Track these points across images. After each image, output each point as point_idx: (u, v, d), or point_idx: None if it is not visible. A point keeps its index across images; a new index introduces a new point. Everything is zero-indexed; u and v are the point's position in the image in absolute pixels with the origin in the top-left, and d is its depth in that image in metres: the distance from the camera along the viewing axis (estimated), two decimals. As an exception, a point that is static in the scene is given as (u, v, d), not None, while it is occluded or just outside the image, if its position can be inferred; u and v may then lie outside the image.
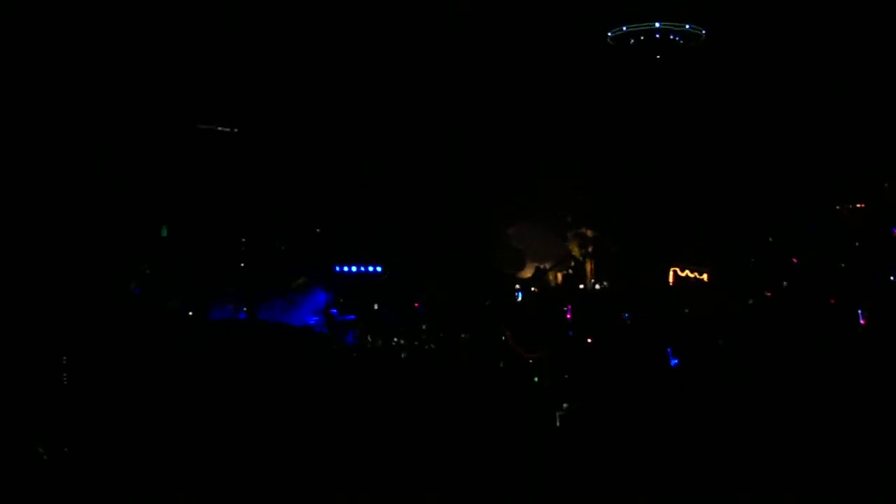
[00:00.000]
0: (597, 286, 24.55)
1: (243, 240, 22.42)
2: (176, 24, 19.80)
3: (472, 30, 21.01)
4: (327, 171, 23.20)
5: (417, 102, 22.46)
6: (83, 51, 18.21)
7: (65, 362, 14.03)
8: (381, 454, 10.27)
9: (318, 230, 23.97)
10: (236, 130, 21.76)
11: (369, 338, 21.36)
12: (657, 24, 21.60)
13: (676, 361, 15.89)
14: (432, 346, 20.90)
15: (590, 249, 25.02)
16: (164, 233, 21.06)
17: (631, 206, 24.00)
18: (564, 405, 13.35)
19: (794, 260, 21.16)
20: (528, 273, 24.86)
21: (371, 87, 21.81)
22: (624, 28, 21.51)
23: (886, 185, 21.66)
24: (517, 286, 24.02)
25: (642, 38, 21.19)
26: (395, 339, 21.09)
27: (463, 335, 20.68)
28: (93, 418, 11.64)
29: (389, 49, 21.19)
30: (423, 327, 21.18)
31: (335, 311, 22.44)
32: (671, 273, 22.90)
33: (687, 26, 21.67)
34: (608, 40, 21.17)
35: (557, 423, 12.80)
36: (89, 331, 14.85)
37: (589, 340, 18.63)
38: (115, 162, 19.72)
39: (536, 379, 14.73)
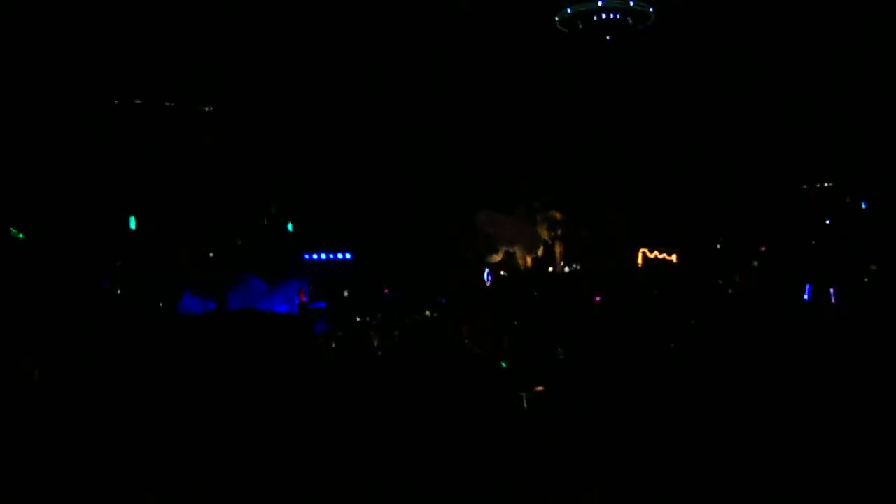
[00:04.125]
0: (566, 269, 24.56)
1: (212, 230, 22.26)
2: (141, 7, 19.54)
3: (436, 20, 20.91)
4: (298, 160, 23.09)
5: (386, 89, 22.34)
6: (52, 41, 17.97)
7: (37, 356, 13.90)
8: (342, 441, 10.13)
9: (287, 218, 23.84)
10: (209, 109, 21.55)
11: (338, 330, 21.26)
12: (600, 3, 21.39)
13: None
14: (399, 332, 20.81)
15: (559, 232, 25.03)
16: (133, 224, 20.85)
17: (601, 189, 23.97)
18: (532, 389, 13.26)
19: (763, 248, 21.18)
20: (497, 257, 24.84)
21: (338, 75, 21.67)
22: (569, 10, 21.35)
23: (853, 163, 21.71)
24: (486, 270, 24.00)
25: (593, 18, 21.08)
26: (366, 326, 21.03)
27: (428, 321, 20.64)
28: (68, 413, 11.51)
29: (355, 36, 21.03)
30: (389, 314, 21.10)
31: (305, 298, 22.35)
32: (640, 254, 22.91)
33: (631, 2, 21.52)
34: (556, 25, 21.08)
35: (525, 406, 12.68)
36: (61, 325, 14.71)
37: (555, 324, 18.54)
38: (82, 152, 19.52)
39: (504, 364, 14.66)
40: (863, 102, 20.31)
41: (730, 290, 19.71)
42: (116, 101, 20.32)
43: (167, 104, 21.11)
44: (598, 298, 20.56)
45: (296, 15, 21.03)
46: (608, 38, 22.51)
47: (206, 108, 21.76)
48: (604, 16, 22.32)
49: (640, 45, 22.62)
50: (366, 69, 21.91)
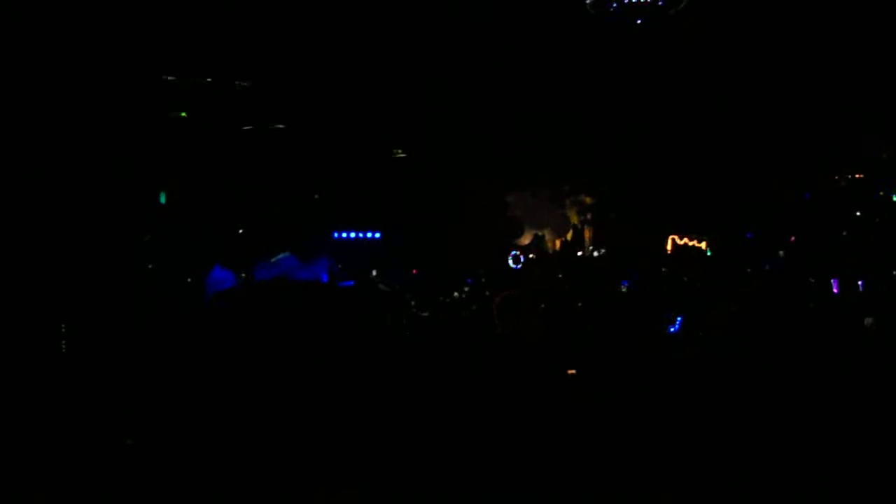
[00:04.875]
0: (595, 253, 24.69)
1: (242, 208, 22.39)
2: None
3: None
4: (326, 138, 23.15)
5: (411, 66, 22.38)
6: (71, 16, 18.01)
7: (64, 331, 14.04)
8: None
9: (316, 196, 23.95)
10: (244, 84, 21.59)
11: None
12: None
13: (677, 326, 15.97)
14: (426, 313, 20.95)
15: (588, 217, 25.14)
16: (163, 199, 21.01)
17: (630, 174, 24.00)
18: (564, 371, 13.36)
19: (792, 239, 21.20)
20: (525, 240, 24.99)
21: (366, 49, 21.71)
22: None
23: (885, 155, 21.67)
24: (514, 253, 24.12)
25: (623, 2, 20.94)
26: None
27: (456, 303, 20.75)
28: (97, 390, 11.65)
29: (384, 15, 21.09)
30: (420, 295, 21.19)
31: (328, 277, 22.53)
32: (670, 241, 23.00)
33: None
34: (588, 8, 21.00)
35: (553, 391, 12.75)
36: (90, 302, 14.86)
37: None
38: (111, 128, 19.63)
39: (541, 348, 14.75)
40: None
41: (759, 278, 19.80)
42: (148, 75, 20.41)
43: (201, 80, 21.21)
44: (626, 284, 20.67)
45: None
46: (639, 21, 22.45)
47: (242, 84, 21.85)
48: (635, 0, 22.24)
49: (672, 27, 22.56)
50: (396, 46, 21.94)
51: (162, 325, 14.66)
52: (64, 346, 13.37)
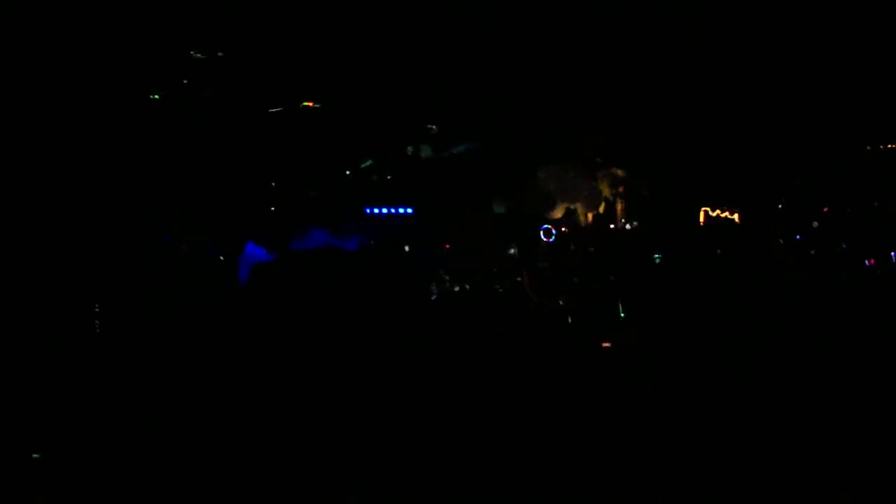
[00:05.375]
0: (627, 226, 24.65)
1: (273, 184, 22.48)
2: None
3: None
4: (358, 114, 23.18)
5: (444, 44, 22.35)
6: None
7: (97, 310, 14.21)
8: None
9: (348, 172, 24.02)
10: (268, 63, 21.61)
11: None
12: None
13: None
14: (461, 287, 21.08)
15: (620, 189, 25.06)
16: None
17: (661, 146, 23.89)
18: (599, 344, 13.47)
19: (825, 209, 21.05)
20: (558, 214, 24.98)
21: (401, 24, 21.73)
22: None
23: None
24: (546, 227, 24.10)
25: None
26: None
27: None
28: (128, 370, 11.81)
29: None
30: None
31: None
32: (702, 213, 22.97)
33: None
34: None
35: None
36: (121, 279, 15.01)
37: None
38: (139, 106, 19.73)
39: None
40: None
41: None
42: (190, 53, 20.49)
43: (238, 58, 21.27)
44: (660, 256, 20.69)
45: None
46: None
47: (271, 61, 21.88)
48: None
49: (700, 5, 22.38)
50: (430, 26, 21.91)
51: (195, 306, 14.84)
52: (94, 330, 13.56)
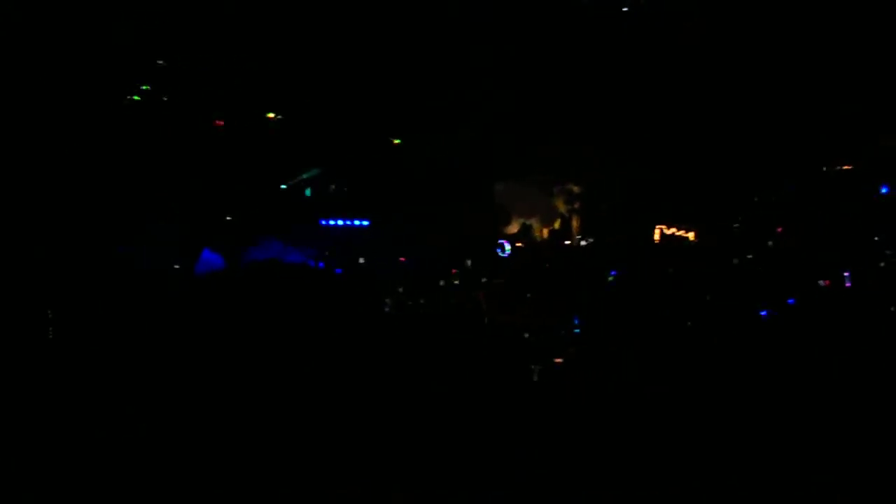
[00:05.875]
0: (582, 242, 24.66)
1: (228, 194, 22.27)
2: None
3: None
4: (314, 125, 23.07)
5: (400, 54, 22.28)
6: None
7: (50, 317, 13.96)
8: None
9: (304, 183, 23.86)
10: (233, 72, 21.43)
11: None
12: None
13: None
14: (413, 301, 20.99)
15: (576, 206, 25.08)
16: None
17: (618, 163, 23.92)
18: (550, 360, 13.35)
19: (779, 229, 21.18)
20: (513, 229, 24.93)
21: (354, 39, 21.62)
22: None
23: (878, 143, 21.58)
24: (501, 242, 24.06)
25: None
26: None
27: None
28: (80, 381, 11.58)
29: (365, 13, 21.02)
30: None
31: (321, 264, 22.46)
32: (657, 231, 23.00)
33: None
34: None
35: (535, 378, 12.77)
36: (77, 290, 14.77)
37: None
38: (102, 114, 19.50)
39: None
40: (891, 81, 20.19)
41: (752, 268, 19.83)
42: (140, 64, 20.28)
43: (193, 68, 21.08)
44: (614, 273, 20.69)
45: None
46: (625, 8, 22.33)
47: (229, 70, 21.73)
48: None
49: (657, 17, 22.45)
50: (381, 38, 21.86)
51: (149, 309, 14.60)
52: (49, 338, 13.30)
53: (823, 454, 8.79)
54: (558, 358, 13.87)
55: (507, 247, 24.39)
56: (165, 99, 20.88)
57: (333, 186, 23.59)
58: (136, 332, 13.47)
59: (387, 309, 20.39)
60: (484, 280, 21.22)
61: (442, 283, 22.10)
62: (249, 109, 22.31)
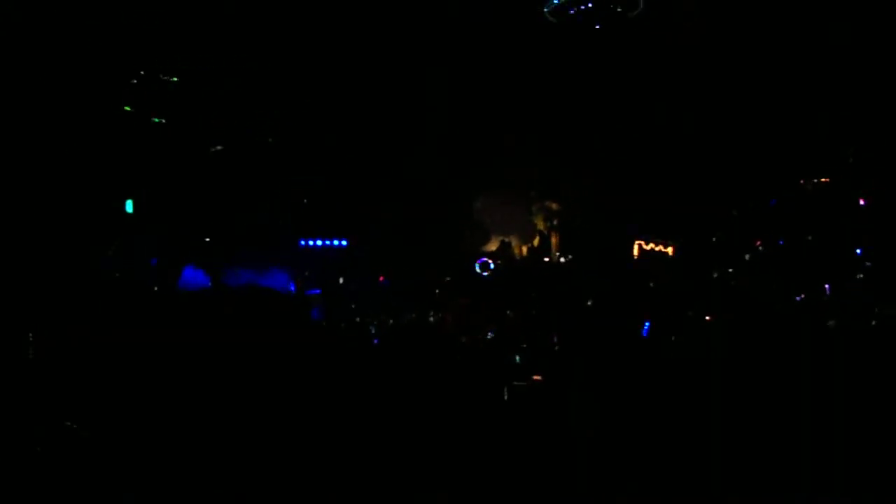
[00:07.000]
0: (561, 259, 24.65)
1: (207, 215, 22.19)
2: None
3: (428, 9, 20.92)
4: (293, 146, 23.01)
5: (377, 71, 22.25)
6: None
7: (31, 339, 13.84)
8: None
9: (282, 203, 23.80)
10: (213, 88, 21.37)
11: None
12: None
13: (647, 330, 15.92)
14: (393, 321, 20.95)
15: (555, 223, 25.07)
16: (130, 208, 20.75)
17: (596, 179, 23.96)
18: (528, 378, 13.28)
19: (758, 242, 21.24)
20: (492, 247, 24.93)
21: (334, 52, 21.59)
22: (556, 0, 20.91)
23: (851, 159, 21.68)
24: (481, 260, 24.04)
25: (581, 7, 20.76)
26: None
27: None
28: (61, 399, 11.48)
29: (347, 19, 20.98)
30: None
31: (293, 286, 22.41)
32: (636, 246, 23.02)
33: None
34: (546, 16, 20.82)
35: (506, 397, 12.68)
36: (56, 310, 14.65)
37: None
38: (80, 136, 19.39)
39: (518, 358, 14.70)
40: (865, 97, 20.27)
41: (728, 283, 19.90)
42: (119, 83, 20.22)
43: (169, 86, 21.02)
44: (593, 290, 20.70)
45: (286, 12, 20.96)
46: (598, 26, 22.36)
47: (208, 90, 21.67)
48: (590, 4, 22.03)
49: (632, 32, 22.49)
50: (364, 59, 21.83)
51: (133, 321, 14.47)
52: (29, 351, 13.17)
53: (801, 465, 8.76)
54: (536, 376, 13.75)
55: (490, 265, 24.42)
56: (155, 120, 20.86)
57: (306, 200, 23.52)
58: (117, 344, 13.37)
59: (372, 330, 20.36)
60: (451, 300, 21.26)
61: (420, 302, 22.08)
62: (229, 133, 22.26)
